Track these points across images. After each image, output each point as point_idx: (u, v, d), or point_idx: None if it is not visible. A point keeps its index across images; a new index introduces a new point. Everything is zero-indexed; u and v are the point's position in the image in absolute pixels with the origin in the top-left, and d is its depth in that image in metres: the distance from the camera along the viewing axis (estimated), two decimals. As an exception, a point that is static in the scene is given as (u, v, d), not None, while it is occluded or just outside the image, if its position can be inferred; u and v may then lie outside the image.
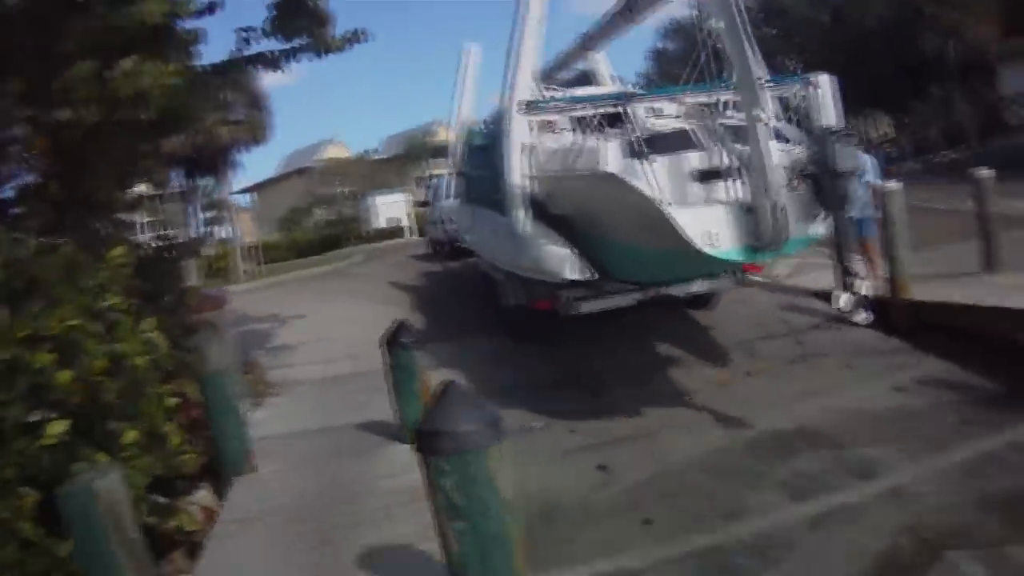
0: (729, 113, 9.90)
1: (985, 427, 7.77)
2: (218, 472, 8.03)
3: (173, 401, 6.96)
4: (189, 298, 9.59)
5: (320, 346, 15.50)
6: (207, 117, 8.15)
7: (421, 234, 49.28)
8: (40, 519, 4.53)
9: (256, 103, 26.44)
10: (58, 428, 4.64)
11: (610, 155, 8.92)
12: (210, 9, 9.18)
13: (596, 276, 9.91)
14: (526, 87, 11.19)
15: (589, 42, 15.47)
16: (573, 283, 10.41)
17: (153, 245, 9.39)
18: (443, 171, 64.06)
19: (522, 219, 10.73)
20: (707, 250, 7.80)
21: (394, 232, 55.88)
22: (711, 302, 13.62)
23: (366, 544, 5.93)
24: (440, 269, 25.54)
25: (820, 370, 10.06)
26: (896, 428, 8.08)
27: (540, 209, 10.79)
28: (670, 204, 7.87)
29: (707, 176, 8.77)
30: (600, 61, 17.46)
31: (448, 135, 74.56)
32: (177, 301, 8.91)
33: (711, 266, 8.87)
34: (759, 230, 7.94)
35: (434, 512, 4.22)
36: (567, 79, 23.04)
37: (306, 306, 21.37)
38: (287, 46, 9.49)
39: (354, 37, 9.76)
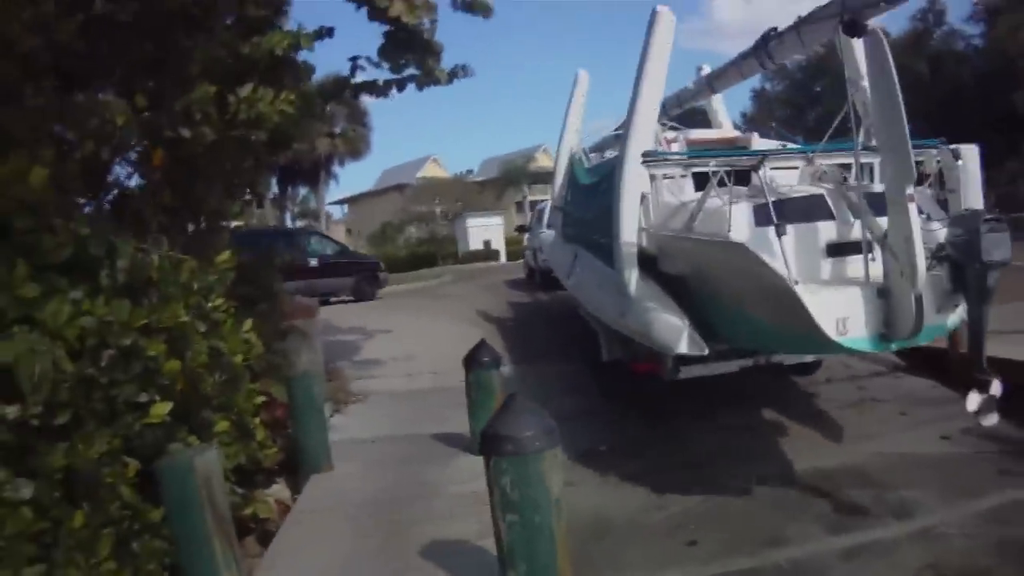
0: (856, 180, 8.75)
1: (1020, 477, 8.07)
2: (294, 469, 8.61)
3: (261, 399, 7.58)
4: (282, 304, 10.23)
5: (404, 360, 15.98)
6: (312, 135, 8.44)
7: (514, 258, 49.85)
8: (139, 487, 5.11)
9: (357, 118, 27.19)
10: (162, 409, 5.22)
11: (739, 221, 8.21)
12: (328, 33, 9.94)
13: (708, 353, 8.73)
14: (646, 136, 9.95)
15: (716, 83, 14.30)
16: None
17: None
18: (544, 198, 64.48)
19: (632, 279, 9.44)
20: (836, 339, 7.06)
21: (487, 255, 55.87)
22: (817, 369, 12.60)
23: (429, 538, 6.45)
24: (529, 300, 25.22)
25: (875, 415, 10.30)
26: (936, 473, 8.34)
27: (649, 263, 9.64)
28: (798, 283, 7.00)
29: (838, 250, 8.27)
30: (716, 100, 16.43)
31: (550, 162, 74.67)
32: (271, 307, 9.53)
33: (836, 351, 7.81)
34: (893, 318, 7.26)
35: (492, 506, 4.86)
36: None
37: (393, 321, 21.81)
38: (395, 77, 10.12)
39: (459, 72, 10.34)
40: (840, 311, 7.17)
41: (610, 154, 16.26)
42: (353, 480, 8.47)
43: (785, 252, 7.28)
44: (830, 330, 6.95)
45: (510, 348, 16.29)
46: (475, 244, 57.65)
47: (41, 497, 4.07)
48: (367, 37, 9.87)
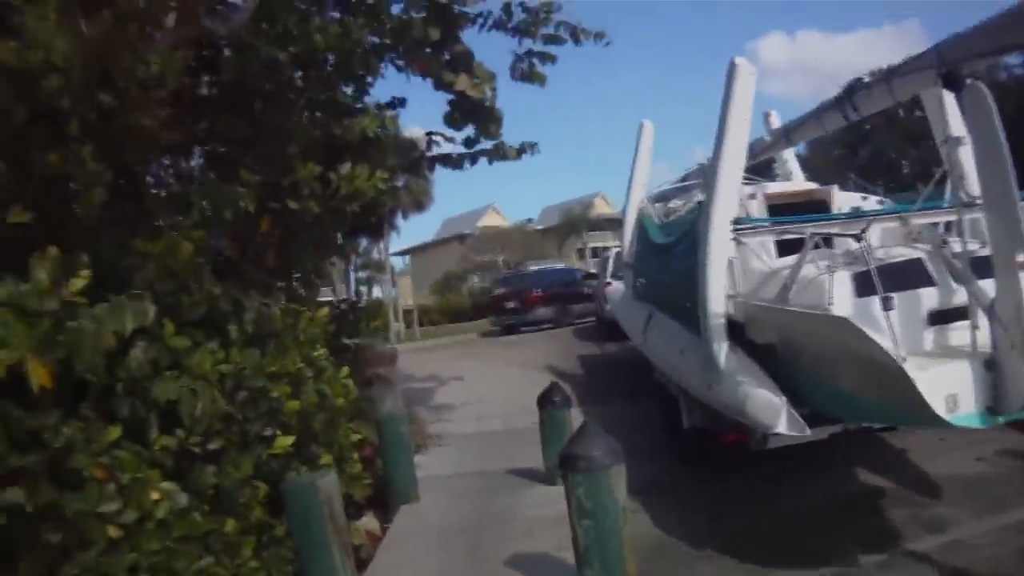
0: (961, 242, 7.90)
1: (1047, 494, 8.66)
2: (382, 503, 9.52)
3: (356, 437, 8.55)
4: (366, 353, 11.19)
5: (475, 404, 17.05)
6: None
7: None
8: (266, 507, 6.06)
9: (419, 171, 28.19)
10: (285, 442, 6.18)
11: (839, 292, 7.51)
12: (401, 104, 11.06)
13: (808, 433, 7.94)
14: (731, 199, 9.13)
15: (793, 135, 13.54)
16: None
17: (341, 306, 11.04)
18: (603, 244, 64.47)
19: (723, 353, 8.75)
20: (947, 417, 6.45)
21: (551, 302, 55.84)
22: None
23: (511, 553, 7.34)
24: (598, 351, 24.39)
25: (915, 439, 10.61)
26: (969, 491, 8.84)
27: (735, 331, 8.93)
28: (906, 359, 6.37)
29: (940, 318, 7.73)
30: (787, 150, 15.45)
31: (609, 209, 74.61)
32: (356, 355, 10.50)
33: (944, 427, 6.81)
34: (1003, 391, 6.64)
35: (569, 514, 5.95)
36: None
37: (462, 368, 22.82)
38: (468, 151, 11.20)
39: (526, 148, 11.39)
40: (949, 387, 6.61)
41: (675, 203, 16.71)
42: (439, 509, 9.37)
43: (890, 325, 6.69)
44: (940, 408, 6.38)
45: (577, 392, 16.91)
46: (538, 292, 57.63)
47: (196, 508, 5.01)
48: (433, 105, 10.88)
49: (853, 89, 10.33)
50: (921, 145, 55.84)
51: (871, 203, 11.29)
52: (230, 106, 8.08)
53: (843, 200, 11.49)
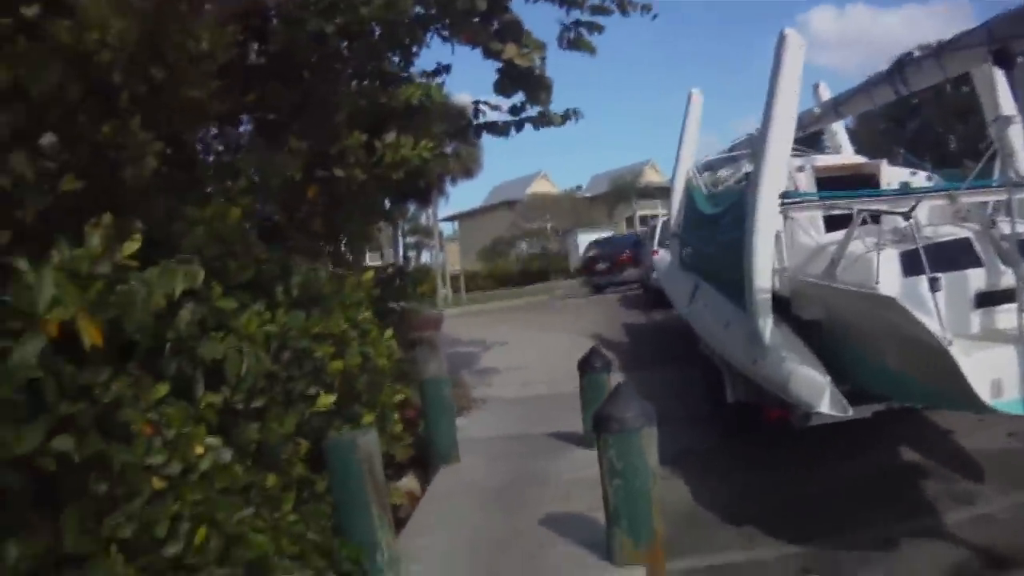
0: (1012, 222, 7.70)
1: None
2: (423, 464, 9.82)
3: (399, 398, 8.77)
4: (412, 317, 11.42)
5: (519, 370, 17.27)
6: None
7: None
8: (307, 463, 6.30)
9: (469, 138, 28.31)
10: (327, 400, 6.38)
11: (886, 270, 7.41)
12: (446, 70, 11.22)
13: (851, 413, 7.73)
14: (780, 172, 8.97)
15: (842, 108, 13.42)
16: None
17: (388, 271, 11.28)
18: (652, 212, 64.26)
19: (768, 327, 8.71)
20: (990, 402, 6.34)
21: (598, 269, 55.87)
22: None
23: (547, 512, 7.57)
24: (644, 319, 24.54)
25: (952, 416, 10.40)
26: (999, 466, 8.93)
27: (781, 306, 8.94)
28: (952, 343, 6.19)
29: (987, 299, 7.65)
30: (836, 123, 15.37)
31: (658, 177, 73.97)
32: (402, 319, 10.73)
33: (987, 412, 6.64)
34: None
35: (601, 474, 6.19)
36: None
37: (507, 333, 23.18)
38: (514, 119, 11.36)
39: (571, 114, 11.54)
40: (994, 372, 6.48)
41: (723, 173, 16.89)
42: (479, 470, 9.63)
43: (937, 306, 6.59)
44: (984, 393, 6.26)
45: (621, 359, 17.19)
46: (586, 259, 57.68)
47: (238, 463, 5.23)
48: (482, 71, 11.06)
49: (903, 64, 10.29)
50: (969, 121, 54.99)
51: (920, 179, 11.26)
52: (277, 75, 8.28)
53: (892, 175, 11.42)
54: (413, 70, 10.63)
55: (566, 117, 11.53)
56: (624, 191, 73.59)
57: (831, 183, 10.59)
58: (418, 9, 9.64)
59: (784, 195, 9.04)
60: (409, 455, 9.30)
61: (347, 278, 7.52)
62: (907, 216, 7.32)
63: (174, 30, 5.13)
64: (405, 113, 8.96)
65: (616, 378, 9.81)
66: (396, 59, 10.19)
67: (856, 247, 7.99)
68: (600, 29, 11.29)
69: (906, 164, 12.14)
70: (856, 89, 12.58)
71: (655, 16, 11.37)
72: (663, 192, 72.06)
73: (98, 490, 3.77)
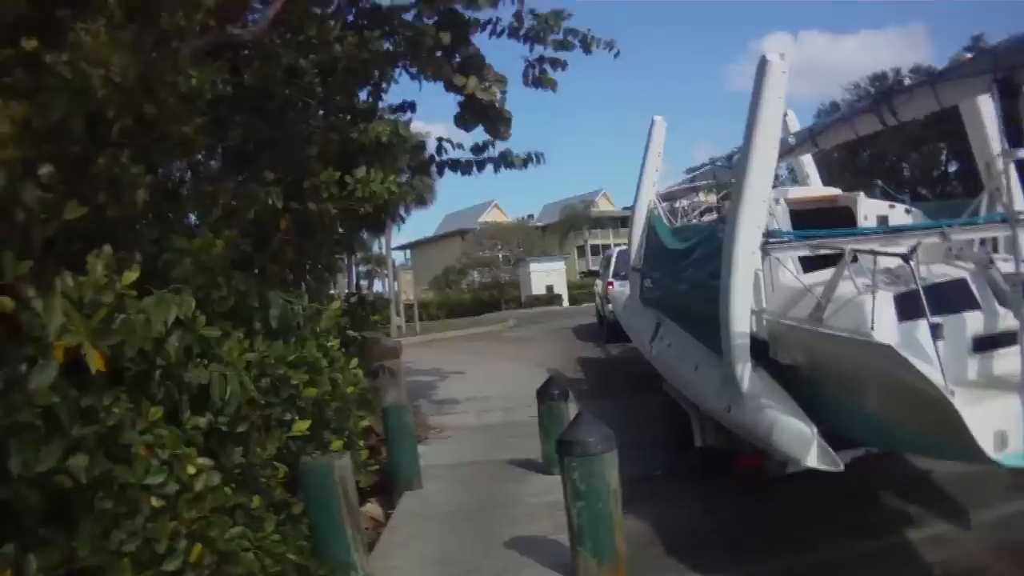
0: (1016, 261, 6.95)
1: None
2: (386, 490, 10.00)
3: (363, 424, 8.99)
4: (372, 346, 11.63)
5: (477, 399, 17.48)
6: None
7: (576, 303, 50.91)
8: (285, 486, 6.52)
9: (425, 169, 28.54)
10: (303, 426, 6.62)
11: (882, 316, 6.76)
12: (411, 107, 11.54)
13: (842, 467, 7.04)
14: (760, 209, 8.39)
15: (820, 138, 12.34)
16: None
17: (351, 300, 11.51)
18: (604, 242, 64.64)
19: (746, 375, 8.15)
20: (994, 456, 5.83)
21: (550, 300, 56.58)
22: None
23: (510, 535, 7.81)
24: (598, 351, 24.59)
25: None
26: (958, 490, 9.03)
27: (757, 349, 8.34)
28: (954, 393, 5.76)
29: (985, 343, 7.11)
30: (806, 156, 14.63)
31: (610, 206, 74.61)
32: (362, 348, 10.93)
33: (990, 465, 6.05)
34: None
35: (564, 496, 6.48)
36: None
37: (463, 362, 23.40)
38: (477, 158, 11.69)
39: (533, 158, 11.90)
40: (999, 423, 5.97)
41: (682, 203, 17.31)
42: (441, 495, 9.86)
43: (938, 353, 6.06)
44: (988, 446, 5.79)
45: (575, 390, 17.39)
46: (538, 289, 58.46)
47: (225, 485, 5.44)
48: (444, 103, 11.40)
49: (892, 92, 10.21)
50: (922, 149, 56.27)
51: (898, 212, 10.84)
52: (251, 108, 8.52)
53: (869, 208, 10.81)
54: (381, 106, 10.95)
55: (527, 161, 11.87)
56: (576, 220, 74.35)
57: (805, 216, 9.92)
58: (387, 46, 9.97)
59: (769, 233, 8.47)
60: (373, 481, 9.49)
61: (324, 310, 7.74)
62: (908, 258, 6.63)
63: (166, 68, 5.37)
64: (374, 149, 9.23)
65: (573, 407, 10.14)
66: (365, 95, 10.51)
67: (846, 289, 7.37)
68: (564, 65, 11.63)
69: (883, 196, 11.61)
70: (836, 119, 12.31)
71: (617, 54, 11.71)
72: (615, 221, 72.89)
73: (104, 507, 3.98)
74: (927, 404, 5.95)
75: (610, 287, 24.39)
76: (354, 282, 35.78)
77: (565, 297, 57.53)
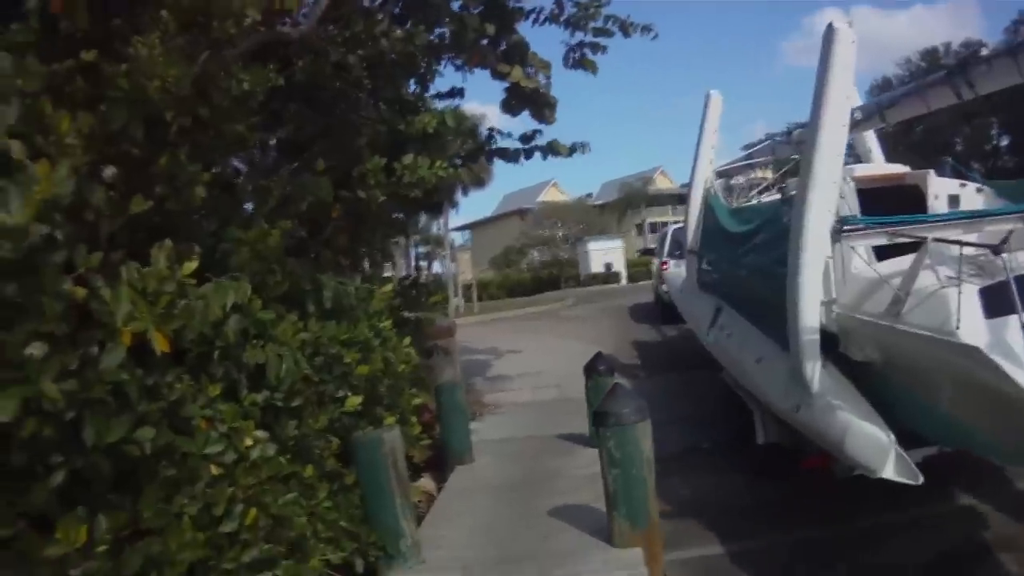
0: None
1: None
2: (439, 467, 10.44)
3: (417, 401, 9.42)
4: (426, 326, 12.05)
5: (531, 376, 17.93)
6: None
7: (634, 280, 50.95)
8: (338, 458, 6.95)
9: (474, 158, 28.88)
10: (355, 402, 7.03)
11: (968, 313, 5.93)
12: (460, 93, 11.97)
13: (921, 480, 6.57)
14: (831, 191, 7.63)
15: (889, 113, 11.70)
16: None
17: (405, 282, 11.94)
18: (662, 219, 64.42)
19: (816, 373, 7.54)
20: None
21: (608, 278, 56.67)
22: None
23: (555, 504, 8.18)
24: (657, 336, 23.43)
25: None
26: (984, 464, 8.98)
27: (826, 343, 7.66)
28: None
29: None
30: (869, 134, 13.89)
31: (668, 183, 73.98)
32: (417, 327, 11.36)
33: None
34: None
35: (601, 465, 6.84)
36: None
37: (520, 341, 23.87)
38: (525, 147, 12.05)
39: (578, 148, 12.24)
40: None
41: (739, 180, 16.96)
42: (491, 469, 10.26)
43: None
44: None
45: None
46: (596, 267, 58.80)
47: (281, 455, 5.87)
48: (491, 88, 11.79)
49: (968, 64, 9.49)
50: (973, 122, 55.49)
51: (970, 191, 10.31)
52: (302, 101, 8.95)
53: (939, 187, 10.30)
54: (430, 94, 11.38)
55: (573, 149, 12.20)
56: (634, 198, 74.13)
57: (872, 196, 9.36)
58: (432, 38, 10.36)
59: (842, 220, 7.75)
60: (426, 456, 9.93)
61: (376, 291, 8.17)
62: (998, 250, 5.98)
63: (218, 74, 5.81)
64: (422, 138, 9.64)
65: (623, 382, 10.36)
66: (413, 86, 10.93)
67: (926, 280, 6.67)
68: (603, 50, 11.93)
69: (954, 174, 10.99)
70: (906, 92, 11.64)
71: (655, 36, 11.96)
72: (674, 199, 72.51)
73: (167, 474, 4.43)
74: (1015, 410, 5.50)
75: (664, 267, 23.80)
76: (412, 264, 36.36)
77: (623, 275, 57.44)
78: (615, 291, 46.13)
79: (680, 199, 74.28)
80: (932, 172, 10.52)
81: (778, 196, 12.29)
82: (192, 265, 4.76)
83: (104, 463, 3.98)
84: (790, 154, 15.54)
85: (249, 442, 5.25)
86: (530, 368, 18.93)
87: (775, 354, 8.88)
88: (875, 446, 6.81)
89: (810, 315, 7.56)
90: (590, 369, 10.71)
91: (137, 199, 4.69)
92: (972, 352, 5.59)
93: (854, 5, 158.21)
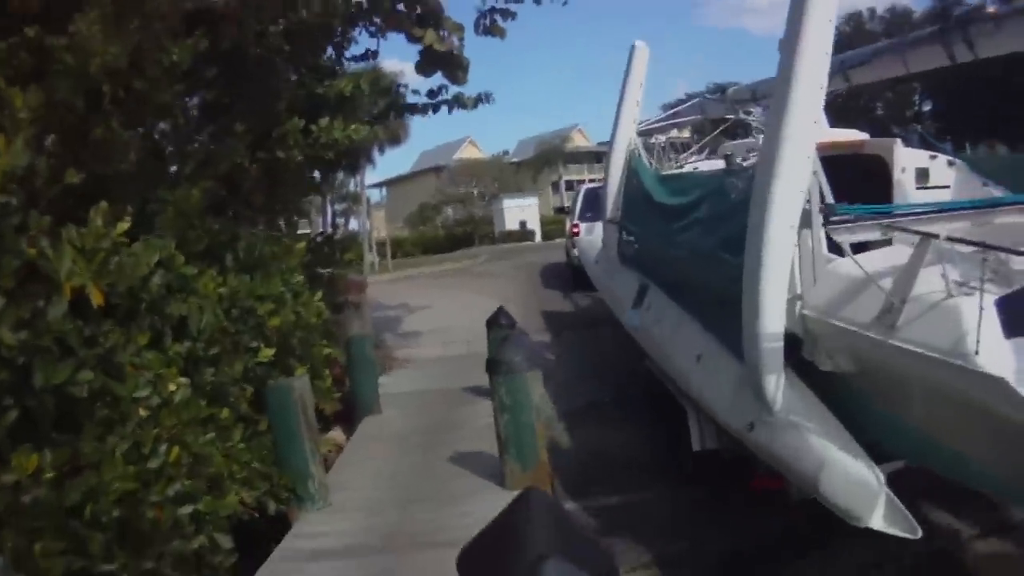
0: None
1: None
2: (349, 420, 10.94)
3: (327, 352, 9.95)
4: (338, 282, 12.53)
5: (441, 332, 18.35)
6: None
7: (548, 238, 51.51)
8: (252, 405, 7.49)
9: (386, 116, 29.05)
10: (268, 353, 7.59)
11: (989, 332, 4.50)
12: (374, 56, 12.46)
13: (920, 535, 5.17)
14: (802, 165, 5.88)
15: (854, 73, 10.61)
16: None
17: (317, 239, 12.41)
18: (579, 178, 64.78)
19: (779, 390, 5.97)
20: None
21: (523, 236, 57.06)
22: None
23: (455, 451, 8.79)
24: (569, 307, 21.78)
25: None
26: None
27: (792, 348, 6.12)
28: None
29: None
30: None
31: (585, 141, 73.94)
32: (329, 283, 11.85)
33: None
34: None
35: (494, 410, 7.46)
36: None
37: (432, 297, 24.25)
38: (431, 101, 12.55)
39: (483, 99, 12.75)
40: None
41: (658, 140, 15.56)
42: (398, 420, 10.84)
43: None
44: None
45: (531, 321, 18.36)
46: (511, 224, 59.13)
47: (200, 399, 6.39)
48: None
49: (969, 20, 8.20)
50: (896, 88, 56.37)
51: (940, 164, 9.07)
52: (224, 64, 9.37)
53: (907, 158, 9.07)
54: (346, 57, 11.86)
55: (478, 100, 12.73)
56: (551, 156, 74.31)
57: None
58: (351, 3, 10.85)
59: (829, 208, 6.27)
60: (336, 409, 10.44)
61: (283, 245, 8.68)
62: None
63: (152, 48, 6.29)
64: (338, 101, 10.12)
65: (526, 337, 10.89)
66: (330, 51, 11.38)
67: (929, 282, 5.08)
68: (513, 16, 12.41)
69: (922, 144, 9.69)
70: (882, 48, 10.22)
71: (565, 2, 12.52)
72: (591, 157, 72.73)
73: (102, 414, 4.98)
74: None
75: (575, 231, 22.33)
76: (329, 221, 36.55)
77: (538, 233, 58.05)
78: (529, 248, 46.47)
79: (598, 157, 74.82)
80: (899, 141, 9.19)
81: (710, 160, 12.11)
82: (124, 226, 5.32)
83: (50, 403, 4.51)
84: (723, 113, 15.18)
85: (172, 387, 5.77)
86: (440, 324, 19.32)
87: (719, 354, 7.33)
88: (860, 488, 5.40)
89: (774, 318, 5.91)
90: (492, 323, 11.18)
91: (70, 171, 5.20)
92: (997, 384, 4.35)
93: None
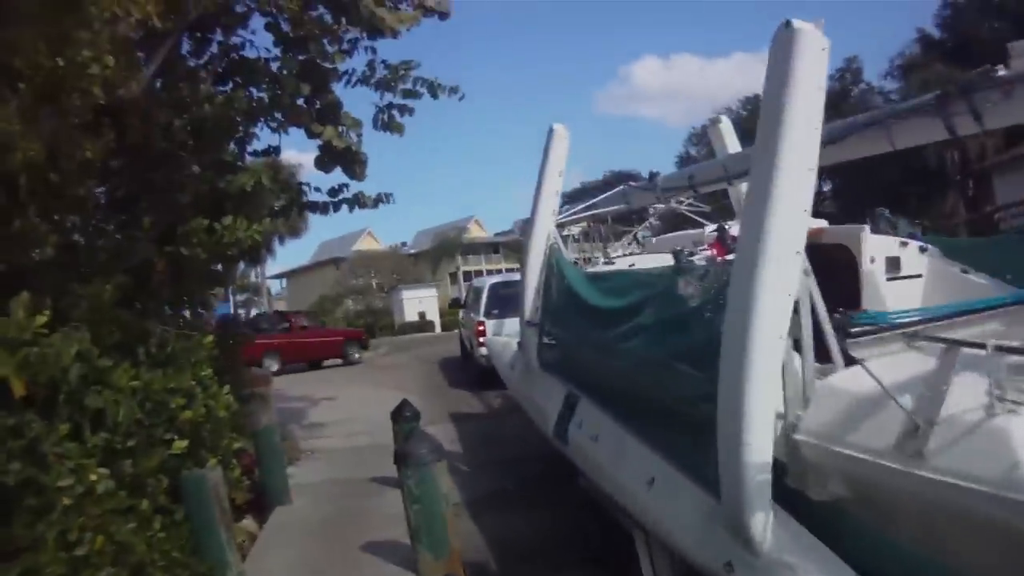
0: None
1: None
2: (260, 508, 10.90)
3: (236, 445, 10.00)
4: (244, 374, 12.57)
5: (345, 423, 18.49)
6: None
7: (448, 329, 51.75)
8: (168, 495, 7.53)
9: (287, 213, 29.29)
10: (181, 444, 7.61)
11: None
12: (276, 151, 12.69)
13: None
14: (787, 270, 4.85)
15: (833, 149, 8.69)
16: None
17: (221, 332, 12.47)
18: (476, 268, 65.08)
19: (767, 527, 4.83)
20: None
21: (422, 326, 57.79)
22: None
23: (366, 539, 8.89)
24: (480, 408, 20.23)
25: None
26: None
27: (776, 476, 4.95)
28: None
29: None
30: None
31: (482, 232, 74.45)
32: (236, 375, 11.90)
33: None
34: None
35: (403, 499, 7.51)
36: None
37: (335, 390, 24.29)
38: (333, 200, 12.78)
39: (383, 198, 13.02)
40: None
41: (570, 231, 15.35)
42: (309, 509, 10.88)
43: None
44: None
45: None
46: (410, 315, 59.76)
47: (120, 490, 6.44)
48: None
49: (974, 86, 7.07)
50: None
51: (912, 252, 8.37)
52: (130, 158, 9.52)
53: (876, 247, 8.25)
54: (248, 152, 12.09)
55: (378, 201, 12.97)
56: (448, 247, 75.10)
57: None
58: (253, 93, 11.13)
59: (843, 319, 5.35)
60: (247, 499, 10.43)
61: (193, 339, 8.78)
62: None
63: (67, 142, 6.45)
64: (240, 197, 10.31)
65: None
66: (233, 147, 11.60)
67: (959, 400, 4.15)
68: (411, 111, 12.75)
69: (890, 228, 9.15)
70: (865, 122, 8.92)
71: (462, 97, 12.85)
72: (488, 247, 73.23)
73: (31, 503, 5.04)
74: None
75: (481, 328, 21.21)
76: (232, 311, 36.33)
77: (437, 323, 58.76)
78: (428, 339, 46.99)
79: (495, 248, 74.96)
80: (866, 228, 8.36)
81: (651, 255, 10.98)
82: (43, 318, 5.40)
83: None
84: (651, 203, 14.16)
85: (94, 477, 5.84)
86: (344, 415, 19.47)
87: (679, 481, 6.12)
88: None
89: (760, 446, 4.83)
90: (397, 415, 11.17)
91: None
92: None
93: (674, 53, 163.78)
